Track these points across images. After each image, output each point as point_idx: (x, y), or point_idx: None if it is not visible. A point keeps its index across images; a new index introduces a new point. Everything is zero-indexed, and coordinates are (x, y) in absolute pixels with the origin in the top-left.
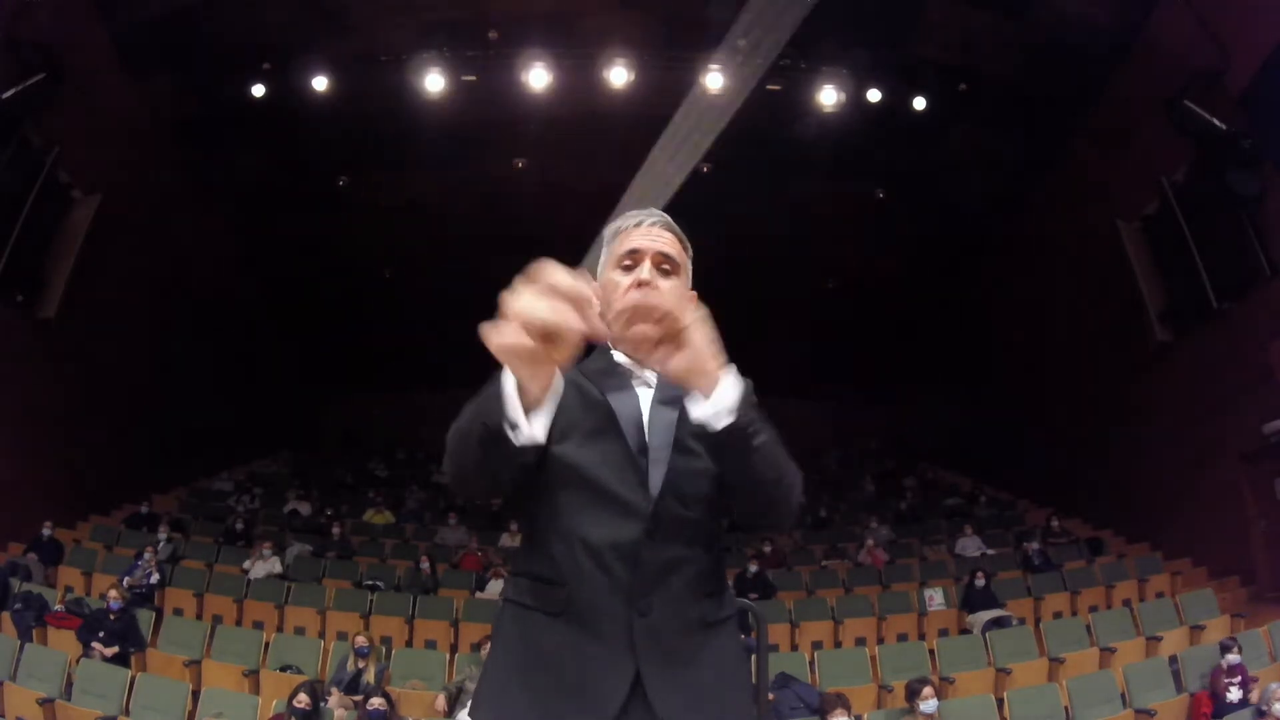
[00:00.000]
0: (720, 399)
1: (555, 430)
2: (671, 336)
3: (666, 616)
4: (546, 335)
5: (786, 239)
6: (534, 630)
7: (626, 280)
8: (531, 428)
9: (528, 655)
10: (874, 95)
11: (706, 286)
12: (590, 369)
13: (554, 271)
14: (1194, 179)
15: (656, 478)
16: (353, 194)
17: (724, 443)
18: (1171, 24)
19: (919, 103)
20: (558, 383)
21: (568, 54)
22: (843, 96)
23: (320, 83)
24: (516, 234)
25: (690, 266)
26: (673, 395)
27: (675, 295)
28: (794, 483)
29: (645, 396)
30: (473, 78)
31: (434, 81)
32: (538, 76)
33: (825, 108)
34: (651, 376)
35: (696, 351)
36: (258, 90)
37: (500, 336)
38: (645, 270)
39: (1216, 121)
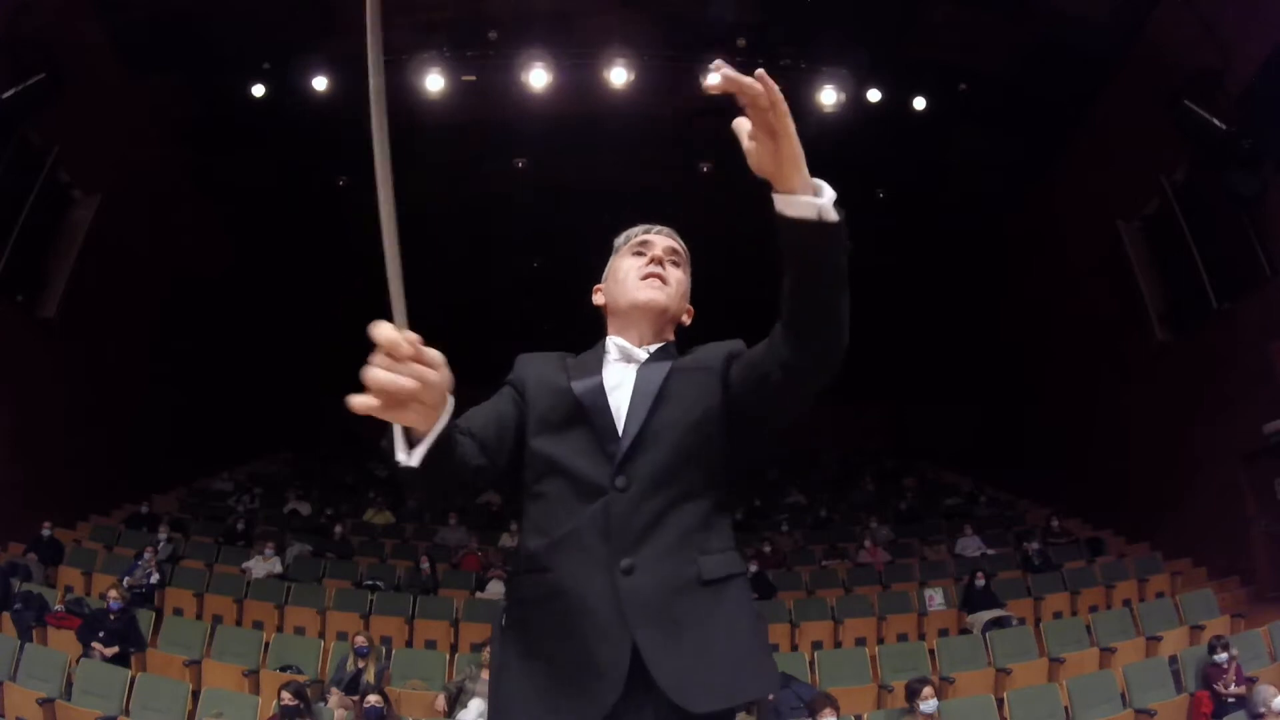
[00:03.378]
0: (826, 191)
1: (530, 427)
2: (766, 127)
3: (654, 576)
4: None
5: None
6: (529, 620)
7: (638, 262)
8: (409, 458)
9: (525, 645)
10: (874, 95)
11: (707, 287)
12: (572, 360)
13: (379, 330)
14: (1194, 179)
15: (632, 430)
16: (353, 194)
17: (817, 244)
18: (1171, 24)
19: (919, 103)
20: (444, 411)
21: (568, 54)
22: (843, 96)
23: (320, 83)
24: (516, 234)
25: (689, 276)
26: (662, 361)
27: (679, 292)
28: (847, 310)
29: (628, 373)
30: (473, 78)
31: (434, 81)
32: (538, 76)
33: (825, 108)
34: (643, 355)
35: (793, 140)
36: (258, 90)
37: (357, 404)
38: (658, 250)
39: (1216, 121)
